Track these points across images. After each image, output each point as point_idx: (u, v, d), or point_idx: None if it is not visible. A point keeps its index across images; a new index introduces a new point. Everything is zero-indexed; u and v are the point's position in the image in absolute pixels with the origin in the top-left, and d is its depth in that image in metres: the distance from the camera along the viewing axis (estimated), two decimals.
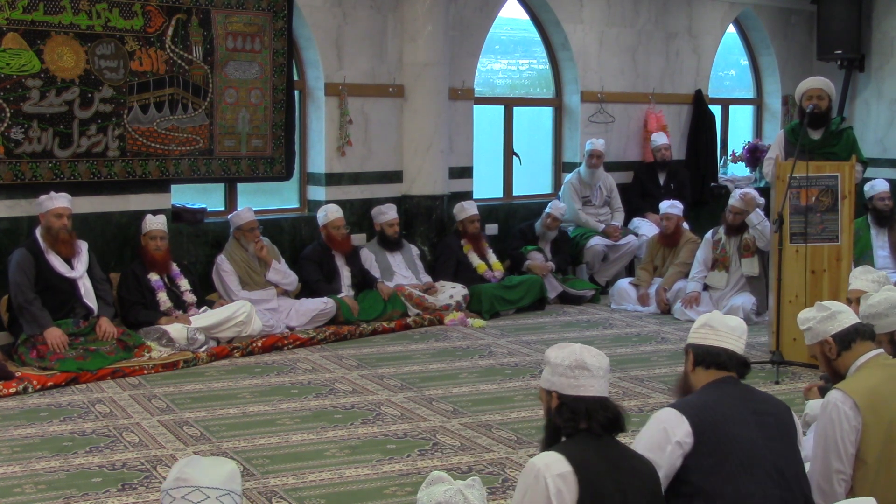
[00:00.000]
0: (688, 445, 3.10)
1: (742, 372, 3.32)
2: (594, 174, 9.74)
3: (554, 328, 8.22)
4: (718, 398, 3.22)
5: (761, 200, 8.54)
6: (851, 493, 3.43)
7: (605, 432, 2.97)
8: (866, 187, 8.96)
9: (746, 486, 3.07)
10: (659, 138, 10.28)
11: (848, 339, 3.62)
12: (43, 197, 6.83)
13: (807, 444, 3.72)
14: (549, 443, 3.02)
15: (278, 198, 8.84)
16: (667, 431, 3.12)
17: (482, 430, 5.53)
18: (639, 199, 10.19)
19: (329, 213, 8.17)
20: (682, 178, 10.38)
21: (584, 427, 2.95)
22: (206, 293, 7.70)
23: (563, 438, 3.00)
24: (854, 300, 4.59)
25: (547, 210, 9.23)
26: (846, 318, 3.65)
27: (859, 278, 4.90)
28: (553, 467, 2.83)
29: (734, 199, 8.36)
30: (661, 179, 10.25)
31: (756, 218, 8.15)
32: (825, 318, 3.66)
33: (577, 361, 2.98)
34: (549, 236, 9.28)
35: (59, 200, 6.81)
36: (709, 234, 8.57)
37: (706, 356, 3.31)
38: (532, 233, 9.29)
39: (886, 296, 4.02)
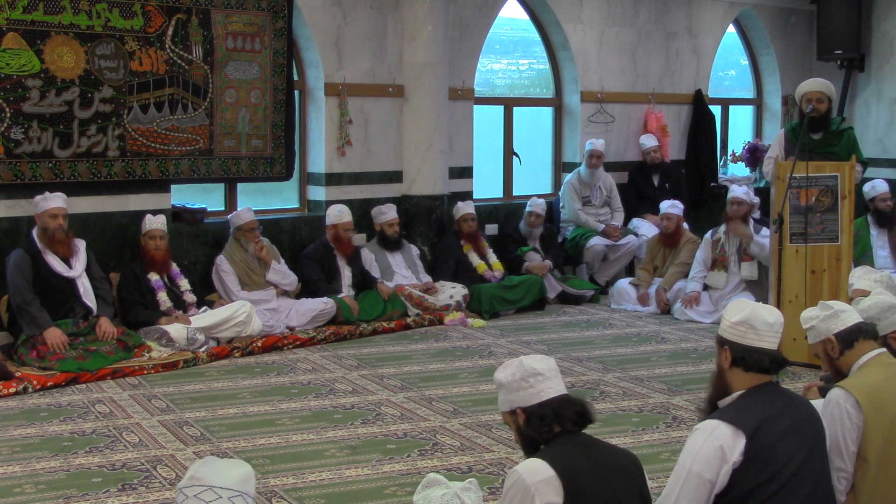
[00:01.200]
0: (738, 464, 3.02)
1: (778, 370, 3.25)
2: (594, 174, 9.75)
3: (554, 328, 8.22)
4: (771, 413, 3.09)
5: (756, 200, 8.55)
6: (852, 491, 3.43)
7: (579, 428, 2.97)
8: (867, 188, 8.96)
9: None
10: (648, 140, 10.30)
11: (850, 337, 3.63)
12: (38, 197, 6.82)
13: None
14: (529, 455, 2.99)
15: (278, 198, 8.84)
16: (724, 451, 3.01)
17: (482, 430, 5.53)
18: (635, 200, 10.20)
19: (343, 214, 8.15)
20: (676, 177, 10.38)
21: (558, 430, 2.94)
22: (206, 293, 7.70)
23: (542, 447, 2.98)
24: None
25: (528, 209, 9.24)
26: (849, 317, 3.66)
27: (862, 278, 4.90)
28: (536, 474, 2.81)
29: (732, 193, 8.44)
30: (655, 180, 10.26)
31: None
32: (828, 316, 3.67)
33: (526, 371, 2.99)
34: (535, 234, 9.28)
35: (53, 201, 6.80)
36: (708, 234, 8.58)
37: (746, 358, 3.16)
38: (519, 234, 9.29)
39: (877, 299, 4.03)
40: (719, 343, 3.25)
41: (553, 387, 2.99)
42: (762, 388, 3.18)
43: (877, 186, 8.97)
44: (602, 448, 2.99)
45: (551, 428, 2.94)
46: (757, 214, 8.84)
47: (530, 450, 2.99)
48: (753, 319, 3.19)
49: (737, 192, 8.44)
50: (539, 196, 9.59)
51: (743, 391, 3.18)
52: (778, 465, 3.04)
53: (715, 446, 3.02)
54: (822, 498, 3.16)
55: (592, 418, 3.01)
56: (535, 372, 2.98)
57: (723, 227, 8.47)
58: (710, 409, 3.27)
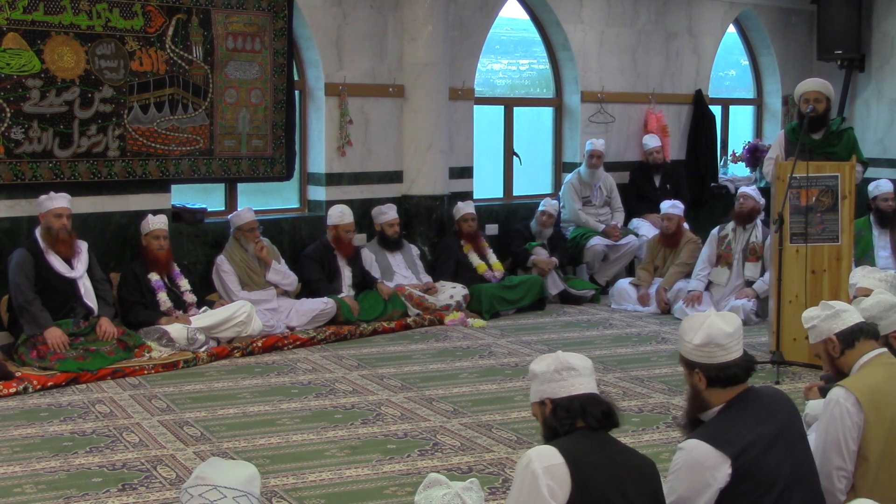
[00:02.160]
0: (724, 486, 3.01)
1: (752, 374, 3.23)
2: (594, 174, 9.75)
3: (554, 328, 8.22)
4: (753, 425, 3.08)
5: (763, 201, 8.57)
6: (853, 491, 3.43)
7: (601, 427, 2.99)
8: (870, 187, 8.96)
9: None
10: (651, 141, 10.30)
11: (851, 337, 3.62)
12: (42, 197, 6.83)
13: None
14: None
15: (278, 198, 8.84)
16: (707, 475, 3.00)
17: (482, 430, 5.53)
18: (636, 200, 10.19)
19: (345, 216, 8.14)
20: (677, 178, 10.38)
21: (580, 425, 2.97)
22: (206, 293, 7.70)
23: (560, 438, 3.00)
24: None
25: (541, 208, 9.25)
26: (850, 316, 3.65)
27: (868, 277, 4.88)
28: (544, 459, 2.84)
29: (741, 189, 8.60)
30: (657, 181, 10.26)
31: (762, 286, 8.18)
32: (829, 316, 3.66)
33: (561, 364, 3.02)
34: (545, 234, 9.29)
35: (58, 200, 6.81)
36: (715, 231, 8.59)
37: (721, 377, 3.14)
38: (529, 232, 9.32)
39: (878, 299, 4.03)
40: (688, 366, 3.21)
41: (585, 384, 3.01)
42: (740, 398, 3.16)
43: (880, 186, 8.96)
44: (618, 447, 3.01)
45: (574, 422, 2.96)
46: (761, 215, 8.84)
47: (550, 440, 3.01)
48: (715, 336, 3.14)
49: (745, 188, 8.60)
50: (539, 196, 9.60)
51: (722, 405, 3.16)
52: (768, 481, 3.03)
53: (698, 469, 3.01)
54: (813, 498, 3.16)
55: (617, 421, 3.03)
56: (569, 366, 3.01)
57: (730, 224, 8.47)
58: (691, 425, 3.25)
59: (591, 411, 2.97)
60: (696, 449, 3.04)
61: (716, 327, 3.15)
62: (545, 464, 2.83)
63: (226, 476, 2.49)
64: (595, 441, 2.95)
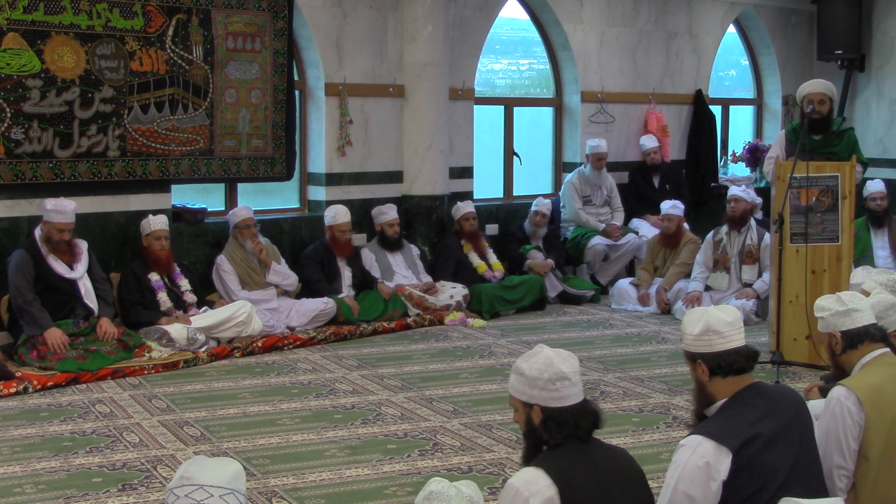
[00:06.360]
0: (726, 480, 2.99)
1: (754, 365, 3.22)
2: (600, 175, 9.77)
3: (554, 328, 8.22)
4: (754, 420, 3.06)
5: (759, 200, 8.55)
6: (853, 490, 3.43)
7: (589, 435, 2.95)
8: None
9: None
10: (648, 141, 10.29)
11: (856, 339, 3.62)
12: (49, 205, 6.74)
13: None
14: (532, 454, 2.97)
15: (278, 198, 8.84)
16: (710, 468, 2.98)
17: (482, 430, 5.53)
18: (635, 201, 10.19)
19: (338, 216, 8.14)
20: (676, 178, 10.38)
21: (569, 433, 2.92)
22: (206, 293, 7.70)
23: (545, 449, 2.95)
24: None
25: (534, 208, 9.25)
26: (861, 317, 3.63)
27: (869, 280, 4.86)
28: (533, 487, 2.78)
29: (731, 191, 8.51)
30: (656, 181, 10.25)
31: (762, 286, 8.16)
32: (840, 313, 3.64)
33: (555, 374, 2.93)
34: (539, 234, 9.29)
35: (64, 216, 6.74)
36: (709, 236, 8.57)
37: (722, 365, 3.14)
38: (523, 234, 9.31)
39: (879, 297, 4.02)
40: (690, 359, 3.22)
41: (576, 392, 2.95)
42: (744, 392, 3.16)
43: (869, 186, 8.99)
44: (603, 451, 2.98)
45: (565, 434, 2.91)
46: (759, 215, 8.83)
47: (534, 447, 2.98)
48: (714, 325, 3.16)
49: (734, 189, 8.54)
50: (539, 196, 9.60)
51: (725, 399, 3.15)
52: (767, 475, 3.02)
53: (700, 464, 2.99)
54: (815, 494, 3.15)
55: (601, 424, 3.01)
56: (563, 376, 2.93)
57: (724, 228, 8.46)
58: (698, 421, 3.24)
59: (583, 425, 2.92)
60: (699, 446, 3.02)
61: (714, 316, 3.18)
62: (534, 491, 2.77)
63: (211, 474, 2.46)
64: (583, 451, 2.91)
